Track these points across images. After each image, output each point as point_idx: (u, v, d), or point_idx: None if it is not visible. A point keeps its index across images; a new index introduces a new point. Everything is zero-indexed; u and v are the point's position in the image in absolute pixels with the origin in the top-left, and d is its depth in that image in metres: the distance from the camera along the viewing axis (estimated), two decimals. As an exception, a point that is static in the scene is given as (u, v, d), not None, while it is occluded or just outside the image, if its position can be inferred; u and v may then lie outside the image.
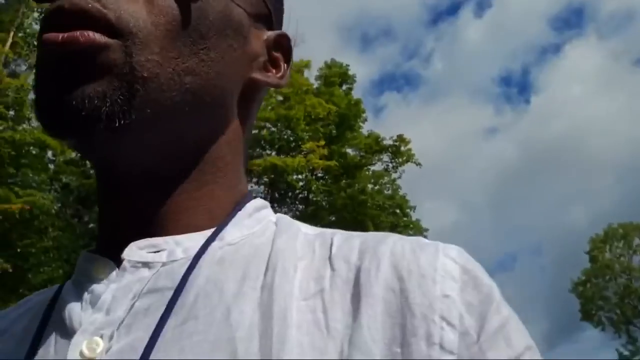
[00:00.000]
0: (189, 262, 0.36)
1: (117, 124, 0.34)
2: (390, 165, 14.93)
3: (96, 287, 0.36)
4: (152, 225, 0.38)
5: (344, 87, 15.14)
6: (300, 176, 13.77)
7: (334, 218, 13.32)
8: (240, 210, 0.41)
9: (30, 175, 12.09)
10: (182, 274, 0.36)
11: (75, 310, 0.36)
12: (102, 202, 0.41)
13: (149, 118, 0.35)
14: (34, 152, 12.29)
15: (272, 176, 13.32)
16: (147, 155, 0.38)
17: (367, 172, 14.81)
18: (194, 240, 0.38)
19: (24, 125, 12.17)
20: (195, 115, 0.38)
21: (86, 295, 0.37)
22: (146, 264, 0.36)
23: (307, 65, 14.09)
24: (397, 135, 14.60)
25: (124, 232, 0.38)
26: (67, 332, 0.35)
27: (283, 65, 0.44)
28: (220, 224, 0.39)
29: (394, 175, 14.94)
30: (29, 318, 0.41)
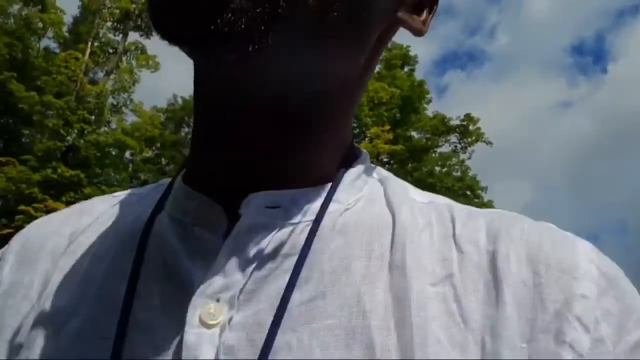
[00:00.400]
0: (309, 228, 0.32)
1: (253, 45, 0.28)
2: (459, 146, 14.55)
3: (208, 238, 0.33)
4: (264, 169, 0.33)
5: (406, 69, 14.91)
6: (366, 162, 13.73)
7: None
8: (352, 166, 0.36)
9: (112, 174, 12.95)
10: (302, 241, 0.32)
11: (183, 261, 0.32)
12: (203, 134, 0.35)
13: (288, 44, 0.30)
14: (114, 152, 13.15)
15: (338, 163, 13.37)
16: (276, 86, 0.32)
17: (433, 155, 14.55)
18: (310, 198, 0.34)
19: (105, 128, 13.02)
20: (337, 47, 0.32)
21: (195, 244, 0.33)
22: (264, 224, 0.32)
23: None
24: (465, 115, 14.19)
25: (228, 172, 0.34)
26: (175, 285, 0.32)
27: (426, 12, 0.38)
28: (334, 181, 0.34)
29: (462, 156, 14.56)
30: (115, 238, 0.36)
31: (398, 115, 14.01)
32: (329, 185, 0.34)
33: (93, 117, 12.33)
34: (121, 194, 0.42)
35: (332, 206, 0.34)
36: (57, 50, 13.54)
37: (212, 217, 0.33)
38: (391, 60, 14.45)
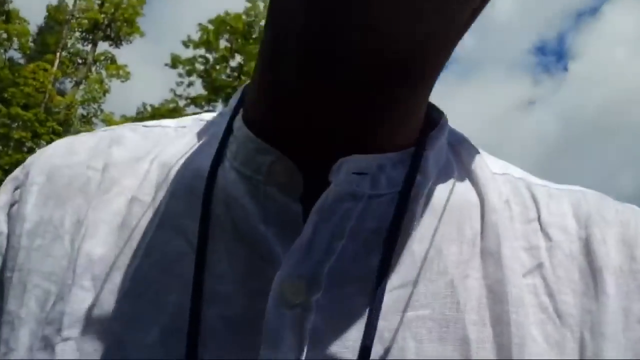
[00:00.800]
0: (395, 201, 0.29)
1: None
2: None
3: (283, 202, 0.29)
4: (352, 128, 0.29)
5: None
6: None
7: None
8: (434, 131, 0.32)
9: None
10: (389, 216, 0.28)
11: (258, 225, 0.28)
12: (285, 77, 0.28)
13: None
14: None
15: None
16: (386, 39, 0.26)
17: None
18: (395, 165, 0.30)
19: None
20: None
21: (270, 207, 0.29)
22: (352, 193, 0.28)
23: None
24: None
25: (309, 127, 0.29)
26: (250, 253, 0.28)
27: None
28: (418, 148, 0.30)
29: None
30: (162, 183, 0.31)
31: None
32: (412, 150, 0.30)
33: (62, 129, 12.11)
34: (153, 124, 0.36)
35: (418, 178, 0.30)
36: (22, 61, 13.29)
37: (287, 177, 0.29)
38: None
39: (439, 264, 0.28)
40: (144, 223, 0.30)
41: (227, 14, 12.49)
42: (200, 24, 12.69)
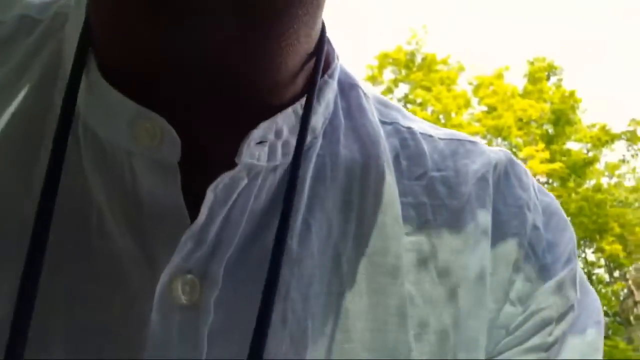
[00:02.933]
0: (287, 172, 0.26)
1: None
2: (627, 153, 13.15)
3: (161, 178, 0.23)
4: (232, 76, 0.24)
5: (553, 79, 14.02)
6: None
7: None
8: (324, 76, 0.29)
9: None
10: (283, 189, 0.26)
11: (128, 211, 0.23)
12: (137, 14, 0.22)
13: None
14: None
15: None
16: None
17: (597, 167, 13.28)
18: (288, 126, 0.26)
19: None
20: None
21: (147, 183, 0.23)
22: (252, 167, 0.25)
23: (507, 68, 13.48)
24: (630, 119, 12.84)
25: (172, 72, 0.23)
26: (116, 246, 0.23)
27: None
28: (307, 101, 0.27)
29: (633, 164, 13.10)
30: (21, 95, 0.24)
31: (551, 130, 13.13)
32: (303, 102, 0.27)
33: None
34: None
35: (308, 139, 0.28)
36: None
37: (158, 141, 0.23)
38: (535, 74, 13.74)
39: (328, 237, 0.27)
40: None
41: (389, 49, 12.93)
42: (366, 63, 13.26)
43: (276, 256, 0.24)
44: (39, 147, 0.23)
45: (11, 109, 0.24)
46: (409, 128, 0.33)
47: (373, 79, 12.92)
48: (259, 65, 0.24)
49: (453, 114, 11.88)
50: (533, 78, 13.72)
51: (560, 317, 0.29)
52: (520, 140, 12.70)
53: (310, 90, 0.27)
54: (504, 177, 0.32)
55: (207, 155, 0.24)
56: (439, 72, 12.66)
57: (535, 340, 0.29)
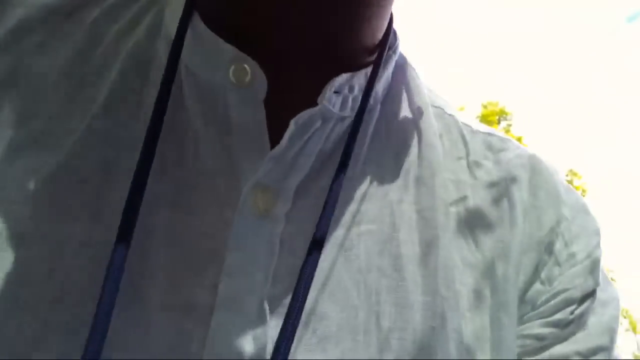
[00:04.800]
0: (351, 123, 0.30)
1: None
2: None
3: (253, 112, 0.27)
4: (314, 28, 0.28)
5: (503, 124, 14.67)
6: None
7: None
8: (390, 49, 0.33)
9: None
10: (345, 140, 0.30)
11: (218, 134, 0.27)
12: None
13: None
14: None
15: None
16: None
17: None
18: (359, 85, 0.30)
19: None
20: None
21: (234, 113, 0.27)
22: (328, 113, 0.29)
23: (461, 109, 14.04)
24: (568, 170, 13.59)
25: (267, 21, 0.27)
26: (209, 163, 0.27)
27: None
28: (375, 66, 0.31)
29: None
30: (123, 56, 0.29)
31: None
32: (370, 70, 0.31)
33: None
34: None
35: (371, 102, 0.31)
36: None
37: (251, 79, 0.27)
38: (487, 117, 14.34)
39: (382, 188, 0.31)
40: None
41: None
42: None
43: (333, 192, 0.28)
44: (147, 86, 0.28)
45: (123, 55, 0.29)
46: (452, 115, 0.36)
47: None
48: (349, 28, 0.29)
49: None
50: (485, 120, 14.28)
51: (583, 299, 0.32)
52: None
53: (378, 60, 0.31)
54: (539, 169, 0.35)
55: (290, 96, 0.28)
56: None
57: (557, 316, 0.31)
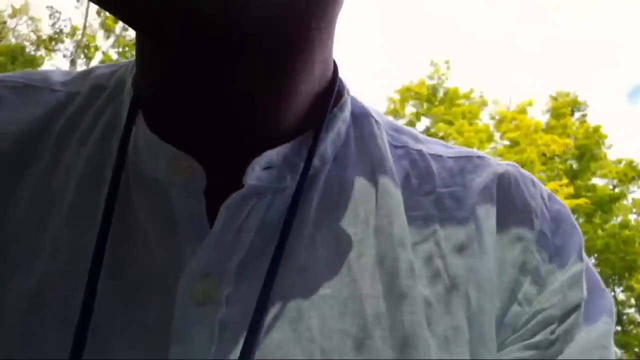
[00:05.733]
0: (293, 191, 0.30)
1: None
2: (655, 189, 12.86)
3: (194, 205, 0.29)
4: (242, 116, 0.29)
5: (577, 115, 13.94)
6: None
7: (595, 261, 11.89)
8: (335, 108, 0.33)
9: None
10: (286, 208, 0.30)
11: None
12: (167, 76, 0.29)
13: None
14: None
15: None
16: (263, 11, 0.25)
17: (625, 203, 13.02)
18: (298, 153, 0.31)
19: None
20: None
21: (178, 206, 0.29)
22: (261, 189, 0.29)
23: (530, 103, 13.49)
24: (655, 156, 12.60)
25: (200, 119, 0.29)
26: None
27: None
28: (316, 132, 0.31)
29: (662, 201, 12.79)
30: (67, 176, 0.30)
31: (575, 166, 12.99)
32: (313, 133, 0.31)
33: None
34: (38, 80, 0.34)
35: (316, 162, 0.31)
36: None
37: (190, 175, 0.29)
38: (559, 109, 13.71)
39: (337, 246, 0.30)
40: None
41: (411, 83, 13.07)
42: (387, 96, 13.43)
43: (274, 264, 0.28)
44: (104, 186, 0.30)
45: (82, 160, 0.31)
46: (418, 150, 0.35)
47: (395, 112, 13.04)
48: (273, 109, 0.30)
49: (475, 148, 11.85)
50: (556, 113, 13.67)
51: (565, 316, 0.31)
52: (543, 175, 12.57)
53: (319, 122, 0.32)
54: (511, 187, 0.34)
55: (228, 180, 0.29)
56: (460, 106, 12.72)
57: (537, 338, 0.30)
